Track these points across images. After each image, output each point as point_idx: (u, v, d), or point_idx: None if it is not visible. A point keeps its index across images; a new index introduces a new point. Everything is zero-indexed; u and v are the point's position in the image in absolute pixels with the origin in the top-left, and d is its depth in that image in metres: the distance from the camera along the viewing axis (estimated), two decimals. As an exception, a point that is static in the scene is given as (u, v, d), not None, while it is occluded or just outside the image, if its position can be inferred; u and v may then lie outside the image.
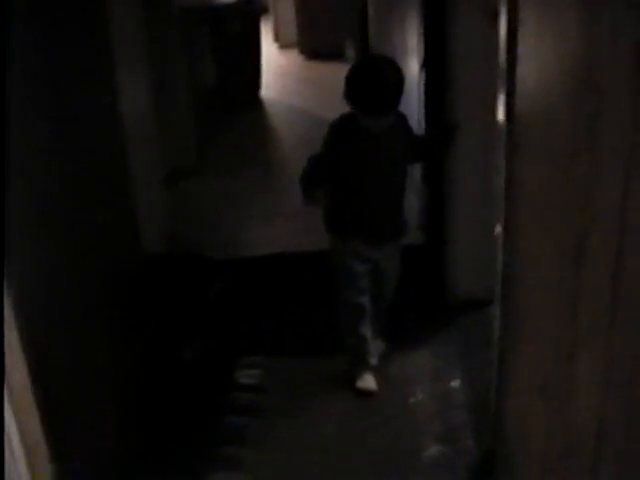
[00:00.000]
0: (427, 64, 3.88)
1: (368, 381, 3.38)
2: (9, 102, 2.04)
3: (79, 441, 2.47)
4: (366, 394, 3.35)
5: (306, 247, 4.48)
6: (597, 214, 1.63)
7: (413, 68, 4.30)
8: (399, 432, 3.15)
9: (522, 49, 2.25)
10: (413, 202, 3.70)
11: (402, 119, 3.28)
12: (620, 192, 1.47)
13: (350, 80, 3.10)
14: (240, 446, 3.13)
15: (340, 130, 3.18)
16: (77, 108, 2.74)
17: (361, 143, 3.14)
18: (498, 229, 3.88)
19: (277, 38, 10.65)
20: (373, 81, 3.04)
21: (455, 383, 3.39)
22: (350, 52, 9.72)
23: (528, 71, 2.20)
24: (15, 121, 2.07)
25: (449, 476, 2.92)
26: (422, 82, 4.06)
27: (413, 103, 4.12)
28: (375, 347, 3.46)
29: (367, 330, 3.36)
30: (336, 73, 8.98)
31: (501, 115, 3.69)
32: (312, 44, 9.73)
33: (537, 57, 2.09)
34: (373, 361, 3.44)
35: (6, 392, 1.87)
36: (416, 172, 4.20)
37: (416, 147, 3.35)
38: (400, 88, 3.08)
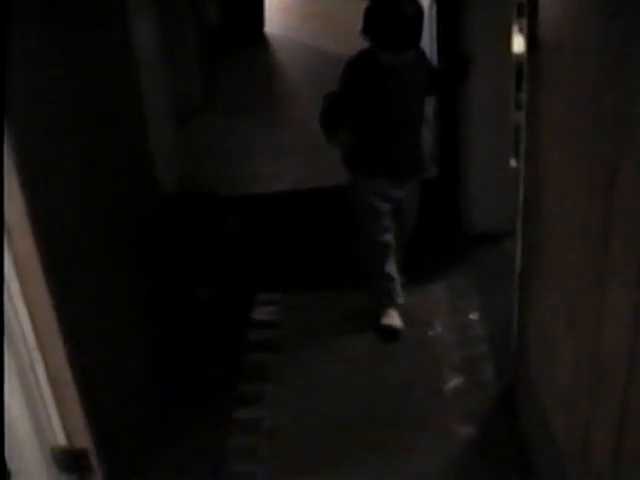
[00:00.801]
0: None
1: (394, 318, 3.38)
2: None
3: (104, 376, 2.49)
4: (392, 331, 3.35)
5: (317, 183, 4.48)
6: (632, 144, 1.61)
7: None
8: (419, 365, 3.19)
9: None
10: (427, 137, 3.66)
11: (421, 54, 3.21)
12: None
13: (369, 15, 3.01)
14: (261, 382, 3.17)
15: (358, 67, 3.11)
16: (92, 44, 2.72)
17: (381, 79, 3.06)
18: (513, 163, 3.89)
19: (277, -27, 10.47)
20: (394, 16, 2.95)
21: (474, 315, 3.42)
22: (352, -15, 9.58)
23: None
24: (36, 57, 2.06)
25: (470, 407, 2.96)
26: (434, 13, 4.01)
27: (425, 35, 4.07)
28: (400, 284, 3.44)
29: (393, 268, 3.35)
30: (338, 8, 8.93)
31: (518, 46, 3.67)
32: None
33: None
34: (400, 299, 3.42)
35: (32, 328, 1.89)
36: (429, 106, 4.16)
37: (434, 80, 3.28)
38: (420, 23, 2.99)
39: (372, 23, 3.00)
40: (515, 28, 3.78)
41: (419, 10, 2.99)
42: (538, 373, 2.57)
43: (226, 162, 4.88)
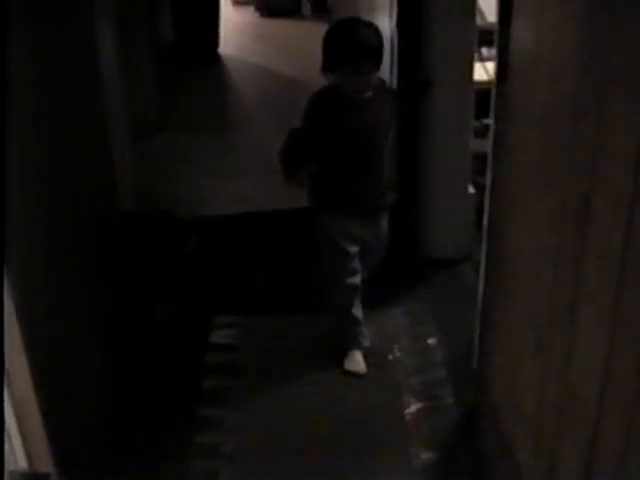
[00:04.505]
0: (401, 23, 3.83)
1: (359, 363, 3.29)
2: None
3: (65, 398, 2.44)
4: (355, 376, 3.27)
5: (273, 205, 4.48)
6: (605, 175, 1.63)
7: (383, 26, 4.26)
8: (379, 389, 3.17)
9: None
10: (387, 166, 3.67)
11: (382, 84, 3.18)
12: (632, 151, 1.47)
13: (328, 41, 2.98)
14: (220, 407, 3.12)
15: (320, 101, 3.06)
16: (62, 64, 2.69)
17: (343, 113, 3.02)
18: (471, 189, 3.94)
19: (232, -6, 10.51)
20: (353, 38, 2.92)
21: (432, 340, 3.43)
22: (307, 8, 9.65)
23: (526, 24, 2.18)
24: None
25: (431, 432, 2.95)
26: (395, 41, 4.03)
27: (385, 64, 4.10)
28: (366, 329, 3.36)
29: (359, 310, 3.28)
30: (292, 30, 9.00)
31: (478, 74, 3.72)
32: (267, 1, 9.62)
33: (537, 8, 2.07)
34: (366, 342, 3.35)
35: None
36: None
37: (395, 104, 3.23)
38: (380, 49, 2.98)
39: (330, 48, 2.97)
40: (476, 56, 3.85)
41: (378, 33, 2.98)
42: (501, 400, 2.58)
43: (182, 182, 4.86)
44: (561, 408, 1.97)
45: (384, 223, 3.29)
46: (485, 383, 2.75)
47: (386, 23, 4.01)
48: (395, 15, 3.84)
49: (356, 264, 3.19)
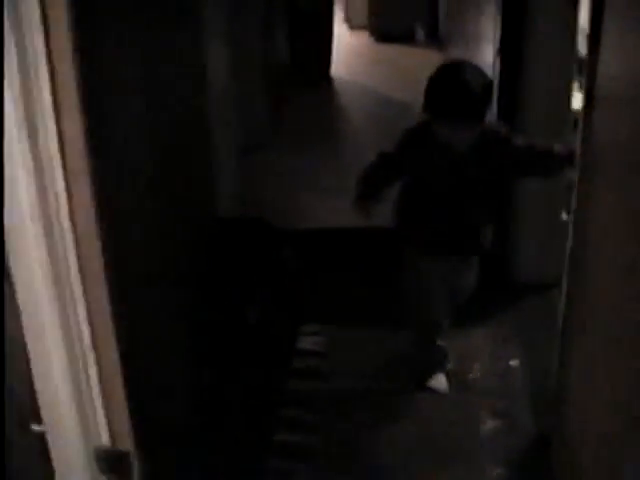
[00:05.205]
0: (503, 50, 3.86)
1: (442, 383, 3.32)
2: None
3: (152, 383, 2.58)
4: (437, 394, 3.30)
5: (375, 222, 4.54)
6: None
7: (486, 55, 4.31)
8: (458, 405, 3.23)
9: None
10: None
11: (493, 135, 2.88)
12: None
13: (429, 83, 2.77)
14: (301, 409, 3.22)
15: (412, 139, 2.93)
16: (169, 82, 2.87)
17: (433, 161, 2.86)
18: (564, 216, 3.93)
19: (347, 19, 10.70)
20: (454, 85, 2.70)
21: (514, 362, 3.44)
22: (420, 35, 9.74)
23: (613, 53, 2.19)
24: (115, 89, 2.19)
25: (505, 451, 2.97)
26: (497, 70, 4.06)
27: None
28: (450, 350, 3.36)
29: (443, 340, 3.30)
30: (404, 55, 9.10)
31: (577, 103, 3.72)
32: (382, 26, 9.76)
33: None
34: (449, 365, 3.38)
35: (89, 329, 1.99)
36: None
37: (519, 158, 2.92)
38: (486, 96, 2.74)
39: (429, 90, 2.75)
40: (576, 85, 3.86)
41: (486, 82, 2.77)
42: (574, 426, 2.59)
43: (283, 194, 5.00)
44: (625, 431, 1.99)
45: (469, 262, 3.20)
46: (561, 408, 2.76)
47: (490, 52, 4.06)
48: (497, 42, 3.89)
49: (438, 300, 3.15)
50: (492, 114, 3.91)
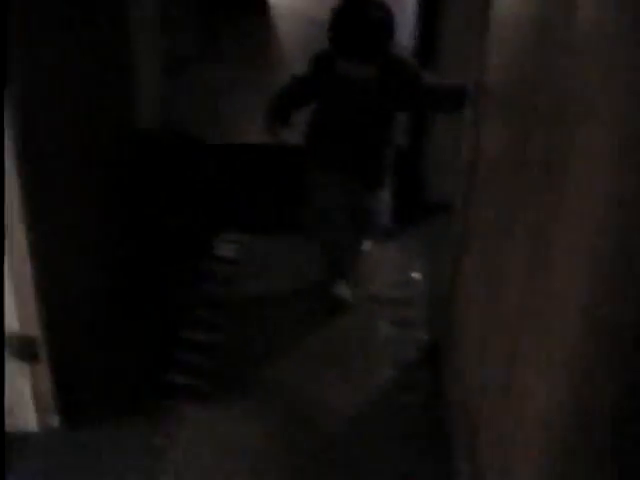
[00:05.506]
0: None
1: (345, 291, 3.47)
2: None
3: (63, 276, 2.70)
4: (341, 302, 3.45)
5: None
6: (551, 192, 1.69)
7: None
8: (359, 312, 3.46)
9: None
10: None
11: (397, 64, 2.94)
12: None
13: (331, 16, 2.80)
14: (213, 311, 3.41)
15: (318, 63, 3.02)
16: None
17: (338, 88, 2.96)
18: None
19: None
20: (354, 20, 2.75)
21: (417, 275, 3.66)
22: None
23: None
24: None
25: (399, 356, 3.20)
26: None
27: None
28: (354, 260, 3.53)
29: (350, 251, 3.45)
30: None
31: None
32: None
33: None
34: (354, 274, 3.53)
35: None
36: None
37: (415, 94, 3.02)
38: (387, 30, 2.80)
39: (331, 26, 2.80)
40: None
41: (387, 15, 2.80)
42: (457, 332, 2.81)
43: (212, 112, 5.06)
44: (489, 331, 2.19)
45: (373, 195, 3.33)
46: (450, 319, 2.98)
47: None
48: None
49: (340, 220, 3.30)
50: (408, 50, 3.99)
